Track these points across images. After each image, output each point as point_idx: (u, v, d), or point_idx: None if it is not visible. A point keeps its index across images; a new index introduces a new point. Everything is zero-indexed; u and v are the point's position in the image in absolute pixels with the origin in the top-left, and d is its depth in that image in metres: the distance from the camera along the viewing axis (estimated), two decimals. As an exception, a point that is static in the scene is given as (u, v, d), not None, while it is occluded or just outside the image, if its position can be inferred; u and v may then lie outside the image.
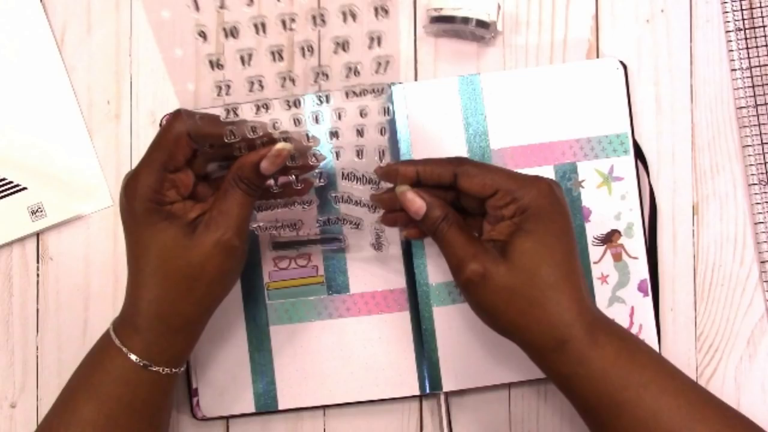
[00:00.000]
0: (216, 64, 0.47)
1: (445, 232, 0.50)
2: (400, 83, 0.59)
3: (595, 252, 0.58)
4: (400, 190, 0.51)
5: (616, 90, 0.58)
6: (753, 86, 0.59)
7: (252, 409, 0.59)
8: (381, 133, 0.51)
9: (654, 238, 0.59)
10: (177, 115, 0.50)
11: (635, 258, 0.58)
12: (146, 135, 0.61)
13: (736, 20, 0.60)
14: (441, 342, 0.58)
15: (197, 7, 0.45)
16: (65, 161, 0.61)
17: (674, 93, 0.60)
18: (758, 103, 0.59)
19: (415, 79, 0.61)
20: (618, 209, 0.58)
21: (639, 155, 0.59)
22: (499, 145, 0.58)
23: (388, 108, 0.50)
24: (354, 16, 0.45)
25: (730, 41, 0.60)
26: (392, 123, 0.58)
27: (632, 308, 0.58)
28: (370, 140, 0.51)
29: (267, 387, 0.59)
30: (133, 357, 0.50)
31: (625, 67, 0.59)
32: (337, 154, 0.52)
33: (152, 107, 0.61)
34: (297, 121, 0.50)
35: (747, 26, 0.59)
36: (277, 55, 0.47)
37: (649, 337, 0.58)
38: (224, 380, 0.59)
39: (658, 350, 0.58)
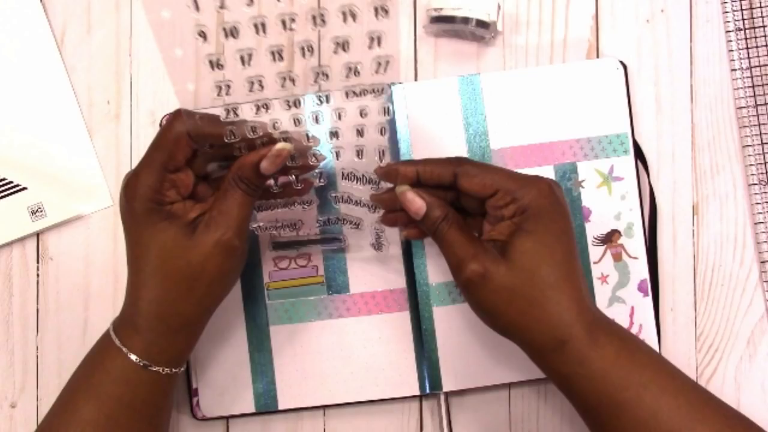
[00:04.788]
0: (216, 64, 0.47)
1: (445, 232, 0.50)
2: (400, 83, 0.59)
3: (595, 252, 0.58)
4: (400, 190, 0.51)
5: (616, 90, 0.58)
6: (753, 86, 0.59)
7: (252, 409, 0.59)
8: (381, 133, 0.51)
9: (654, 238, 0.59)
10: (177, 115, 0.50)
11: (635, 258, 0.58)
12: (146, 135, 0.61)
13: (736, 20, 0.60)
14: (441, 342, 0.58)
15: (197, 7, 0.45)
16: (65, 161, 0.61)
17: (674, 93, 0.60)
18: (758, 103, 0.59)
19: (415, 79, 0.61)
20: (618, 209, 0.58)
21: (639, 155, 0.59)
22: (499, 145, 0.58)
23: (388, 108, 0.50)
24: (354, 16, 0.45)
25: (730, 41, 0.60)
26: (392, 123, 0.58)
27: (632, 308, 0.58)
28: (370, 140, 0.51)
29: (267, 387, 0.59)
30: (133, 357, 0.50)
31: (625, 67, 0.59)
32: (337, 154, 0.52)
33: (152, 107, 0.61)
34: (297, 121, 0.50)
35: (747, 26, 0.59)
36: (277, 55, 0.47)
37: (649, 337, 0.58)
38: (224, 380, 0.59)
39: (658, 350, 0.58)
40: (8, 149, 0.61)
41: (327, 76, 0.48)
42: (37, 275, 0.61)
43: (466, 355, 0.58)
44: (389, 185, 0.52)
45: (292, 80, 0.48)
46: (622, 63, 0.59)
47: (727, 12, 0.60)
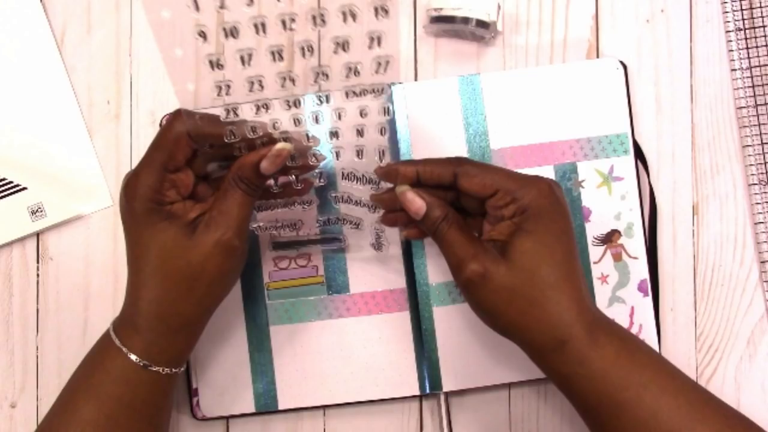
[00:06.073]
0: (216, 64, 0.47)
1: (445, 232, 0.50)
2: (400, 83, 0.59)
3: (595, 252, 0.58)
4: (400, 190, 0.51)
5: (616, 90, 0.58)
6: (753, 86, 0.59)
7: (252, 409, 0.59)
8: (381, 133, 0.51)
9: (654, 238, 0.59)
10: (177, 115, 0.50)
11: (635, 258, 0.58)
12: (146, 135, 0.61)
13: (736, 20, 0.60)
14: (441, 342, 0.58)
15: (197, 7, 0.45)
16: (65, 161, 0.61)
17: (674, 93, 0.60)
18: (758, 103, 0.59)
19: (415, 79, 0.61)
20: (618, 209, 0.58)
21: (639, 155, 0.59)
22: (499, 145, 0.58)
23: (388, 108, 0.50)
24: (354, 16, 0.45)
25: (730, 41, 0.60)
26: (392, 123, 0.58)
27: (632, 308, 0.58)
28: (370, 140, 0.51)
29: (267, 387, 0.59)
30: (133, 357, 0.50)
31: (625, 67, 0.59)
32: (337, 154, 0.52)
33: (152, 107, 0.61)
34: (297, 121, 0.50)
35: (747, 26, 0.59)
36: (277, 55, 0.47)
37: (649, 337, 0.58)
38: (224, 380, 0.59)
39: (658, 350, 0.58)
40: (8, 149, 0.61)
41: (327, 76, 0.48)
42: (37, 275, 0.61)
43: (466, 355, 0.58)
44: (389, 185, 0.52)
45: (292, 80, 0.48)
46: (622, 63, 0.59)
47: (727, 12, 0.60)
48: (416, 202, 0.50)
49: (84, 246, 0.61)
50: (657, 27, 0.60)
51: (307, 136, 0.51)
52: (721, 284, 0.59)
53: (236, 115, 0.49)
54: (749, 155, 0.59)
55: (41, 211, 0.60)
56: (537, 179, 0.50)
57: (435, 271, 0.58)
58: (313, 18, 0.46)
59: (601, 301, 0.58)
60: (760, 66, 0.59)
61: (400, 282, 0.59)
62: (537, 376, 0.54)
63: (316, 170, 0.53)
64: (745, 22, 0.59)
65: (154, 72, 0.61)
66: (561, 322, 0.47)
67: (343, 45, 0.46)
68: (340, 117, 0.50)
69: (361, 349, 0.59)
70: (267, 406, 0.59)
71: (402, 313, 0.59)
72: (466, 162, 0.51)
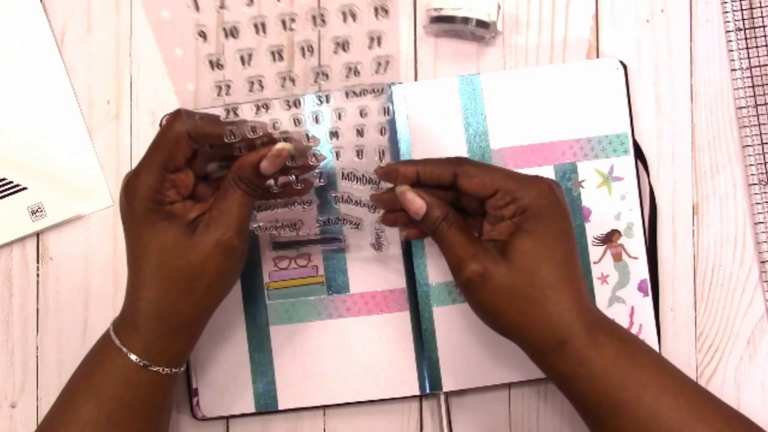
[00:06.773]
0: (216, 64, 0.47)
1: (445, 232, 0.50)
2: (400, 83, 0.59)
3: (595, 252, 0.58)
4: (400, 190, 0.51)
5: (616, 90, 0.58)
6: (753, 86, 0.59)
7: (252, 409, 0.59)
8: (381, 133, 0.51)
9: (654, 238, 0.59)
10: (177, 115, 0.50)
11: (635, 258, 0.58)
12: (146, 135, 0.61)
13: (736, 20, 0.60)
14: (441, 342, 0.58)
15: (197, 7, 0.45)
16: (65, 161, 0.61)
17: (674, 93, 0.60)
18: (758, 103, 0.59)
19: (415, 79, 0.61)
20: (618, 209, 0.58)
21: (639, 155, 0.59)
22: (499, 145, 0.58)
23: (388, 108, 0.50)
24: (354, 16, 0.45)
25: (730, 41, 0.60)
26: (392, 123, 0.58)
27: (632, 308, 0.58)
28: (370, 140, 0.51)
29: (267, 387, 0.59)
30: (133, 357, 0.50)
31: (625, 67, 0.59)
32: (337, 154, 0.52)
33: (152, 107, 0.61)
34: (297, 121, 0.50)
35: (747, 26, 0.59)
36: (277, 55, 0.47)
37: (649, 337, 0.58)
38: (224, 380, 0.59)
39: (658, 350, 0.58)
40: (8, 149, 0.61)
41: (327, 76, 0.48)
42: (37, 275, 0.61)
43: (466, 355, 0.58)
44: (389, 185, 0.52)
45: (292, 80, 0.48)
46: (622, 63, 0.59)
47: (727, 12, 0.60)
48: (416, 202, 0.50)
49: (84, 246, 0.61)
50: (657, 27, 0.60)
51: (307, 136, 0.51)
52: (721, 284, 0.59)
53: (236, 115, 0.49)
54: (749, 155, 0.59)
55: (41, 211, 0.60)
56: (537, 179, 0.50)
57: (435, 271, 0.58)
58: (313, 18, 0.46)
59: (601, 301, 0.58)
60: (760, 66, 0.59)
61: (400, 282, 0.59)
62: (537, 376, 0.54)
63: (316, 170, 0.53)
64: (745, 22, 0.59)
65: (154, 72, 0.61)
66: (561, 322, 0.47)
67: (343, 45, 0.46)
68: (340, 117, 0.50)
69: (361, 349, 0.59)
70: (267, 406, 0.59)
71: (402, 313, 0.59)
72: (466, 162, 0.51)
